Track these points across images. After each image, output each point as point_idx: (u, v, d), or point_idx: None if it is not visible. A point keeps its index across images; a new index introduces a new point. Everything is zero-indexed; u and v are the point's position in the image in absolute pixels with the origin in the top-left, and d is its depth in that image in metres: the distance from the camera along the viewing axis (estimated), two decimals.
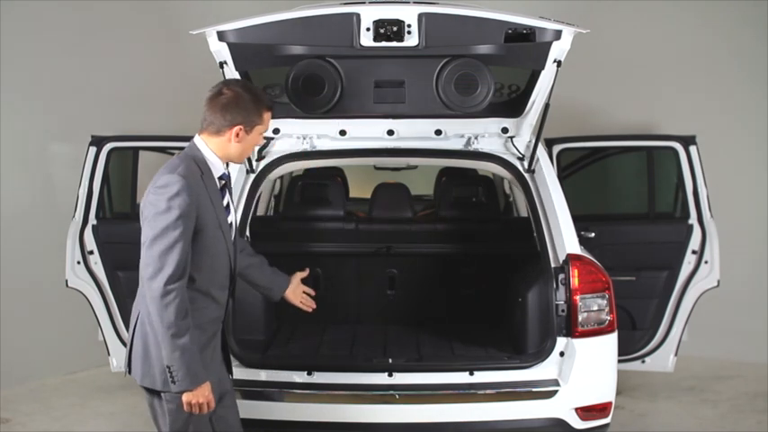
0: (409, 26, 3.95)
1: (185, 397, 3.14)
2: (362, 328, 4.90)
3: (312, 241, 5.06)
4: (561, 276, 4.03)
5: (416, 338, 4.66)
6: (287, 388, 4.06)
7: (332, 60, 4.22)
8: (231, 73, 4.14)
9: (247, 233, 4.41)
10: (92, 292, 5.63)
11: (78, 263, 5.61)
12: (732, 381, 6.44)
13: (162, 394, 3.22)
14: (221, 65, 4.12)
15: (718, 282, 5.63)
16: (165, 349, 3.09)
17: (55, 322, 6.53)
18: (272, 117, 4.43)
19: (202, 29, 3.99)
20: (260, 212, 5.68)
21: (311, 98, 4.26)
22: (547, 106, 4.29)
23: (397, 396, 4.01)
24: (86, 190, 5.65)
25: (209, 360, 3.27)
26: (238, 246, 3.54)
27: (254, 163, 4.47)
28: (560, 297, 4.03)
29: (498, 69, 4.29)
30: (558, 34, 3.99)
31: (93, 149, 5.69)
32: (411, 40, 3.97)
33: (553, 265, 4.09)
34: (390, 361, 4.16)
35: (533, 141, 4.43)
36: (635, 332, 5.66)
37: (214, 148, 3.29)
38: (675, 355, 5.69)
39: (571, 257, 4.06)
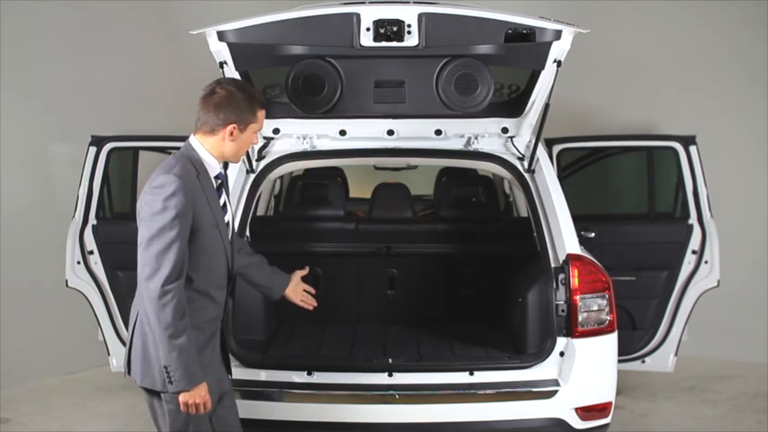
0: (409, 26, 3.95)
1: (182, 397, 3.14)
2: (362, 328, 4.90)
3: (312, 241, 5.06)
4: (561, 276, 4.03)
5: (416, 338, 4.65)
6: (287, 388, 4.06)
7: (332, 60, 4.22)
8: (231, 73, 4.14)
9: (247, 233, 4.40)
10: (92, 292, 5.64)
11: (78, 263, 5.61)
12: (732, 381, 6.44)
13: (161, 394, 3.22)
14: (221, 65, 4.12)
15: (718, 282, 5.63)
16: (162, 349, 3.09)
17: (55, 322, 6.53)
18: (273, 117, 4.50)
19: (202, 29, 3.99)
20: (260, 212, 5.68)
21: (311, 98, 4.26)
22: (547, 106, 4.29)
23: (397, 396, 4.01)
24: (86, 190, 5.65)
25: (209, 360, 3.27)
26: (236, 245, 3.54)
27: (254, 163, 4.47)
28: (560, 297, 4.03)
29: (498, 69, 4.29)
30: (558, 34, 3.99)
31: (93, 149, 5.69)
32: (411, 40, 3.97)
33: (553, 265, 4.09)
34: (390, 361, 4.16)
35: (533, 141, 4.43)
36: (635, 332, 5.66)
37: (209, 148, 3.29)
38: (675, 355, 5.69)
39: (571, 257, 4.06)
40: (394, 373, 4.02)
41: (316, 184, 5.27)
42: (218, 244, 3.29)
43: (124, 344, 3.44)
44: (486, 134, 4.55)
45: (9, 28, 6.38)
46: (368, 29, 3.95)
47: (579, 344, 4.01)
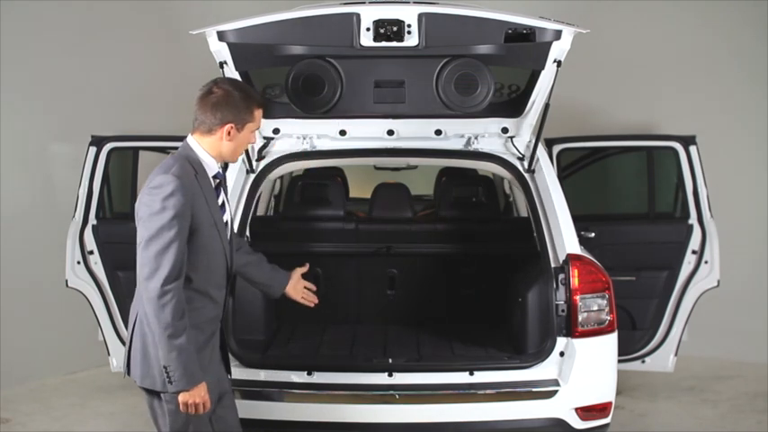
0: (409, 26, 3.95)
1: (182, 397, 3.14)
2: (362, 328, 4.90)
3: (312, 241, 5.06)
4: (561, 276, 4.03)
5: (416, 338, 4.65)
6: (287, 388, 4.06)
7: (332, 60, 4.22)
8: (231, 73, 4.14)
9: (247, 233, 4.40)
10: (92, 292, 5.64)
11: (78, 263, 5.61)
12: (732, 381, 6.44)
13: (161, 395, 3.22)
14: (221, 65, 4.12)
15: (718, 282, 5.63)
16: (161, 349, 3.09)
17: (55, 322, 6.53)
18: (273, 117, 4.50)
19: (202, 29, 3.99)
20: (260, 212, 5.67)
21: (311, 98, 4.26)
22: (547, 106, 4.29)
23: (397, 396, 4.01)
24: (86, 190, 5.65)
25: (208, 360, 3.27)
26: (235, 244, 3.54)
27: (254, 163, 4.47)
28: (560, 297, 4.03)
29: (498, 69, 4.29)
30: (558, 34, 3.98)
31: (93, 149, 5.69)
32: (411, 40, 3.97)
33: (553, 265, 4.09)
34: (390, 361, 4.16)
35: (533, 141, 4.43)
36: (635, 332, 5.66)
37: (207, 148, 3.29)
38: (675, 355, 5.69)
39: (571, 257, 4.06)
40: (394, 373, 4.02)
41: (316, 184, 5.27)
42: (216, 244, 3.29)
43: (124, 344, 3.45)
44: (486, 134, 4.54)
45: (9, 28, 6.38)
46: (368, 29, 3.95)
47: (579, 344, 4.01)
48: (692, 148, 5.64)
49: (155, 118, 6.68)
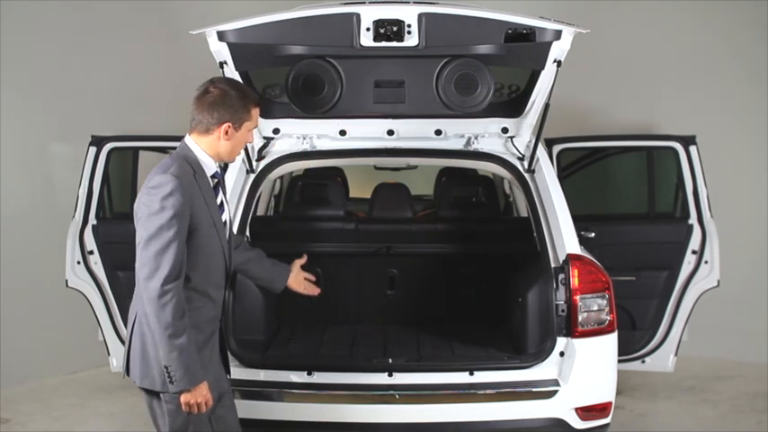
0: (409, 26, 3.95)
1: (183, 397, 3.14)
2: (362, 328, 4.90)
3: (312, 241, 5.06)
4: (561, 276, 4.03)
5: (416, 338, 4.65)
6: (287, 388, 4.06)
7: (332, 60, 4.22)
8: (231, 73, 4.14)
9: (247, 233, 4.40)
10: (92, 292, 5.64)
11: (78, 263, 5.61)
12: (732, 381, 6.44)
13: (161, 395, 3.22)
14: (221, 65, 4.11)
15: (718, 282, 5.63)
16: (162, 350, 3.09)
17: (55, 322, 6.53)
18: (273, 117, 4.50)
19: (202, 29, 3.99)
20: (260, 212, 5.67)
21: (311, 98, 4.26)
22: (547, 106, 4.29)
23: (397, 396, 4.01)
24: (86, 190, 5.65)
25: (207, 360, 3.27)
26: (234, 242, 3.54)
27: (254, 163, 4.47)
28: (560, 297, 4.02)
29: (498, 69, 4.29)
30: (558, 34, 3.98)
31: (93, 149, 5.69)
32: (411, 40, 3.97)
33: (553, 265, 4.09)
34: (390, 361, 4.15)
35: (533, 141, 4.43)
36: (635, 332, 5.66)
37: (205, 148, 3.29)
38: (675, 355, 5.69)
39: (571, 257, 4.06)
40: (394, 373, 4.02)
41: (316, 184, 5.27)
42: (215, 243, 3.29)
43: (124, 344, 3.44)
44: (486, 134, 4.54)
45: (9, 28, 6.38)
46: (368, 29, 3.95)
47: (579, 344, 4.01)
48: (692, 148, 5.64)
49: (155, 118, 6.68)
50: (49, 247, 6.09)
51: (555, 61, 4.11)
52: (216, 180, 3.35)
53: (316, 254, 4.99)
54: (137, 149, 5.87)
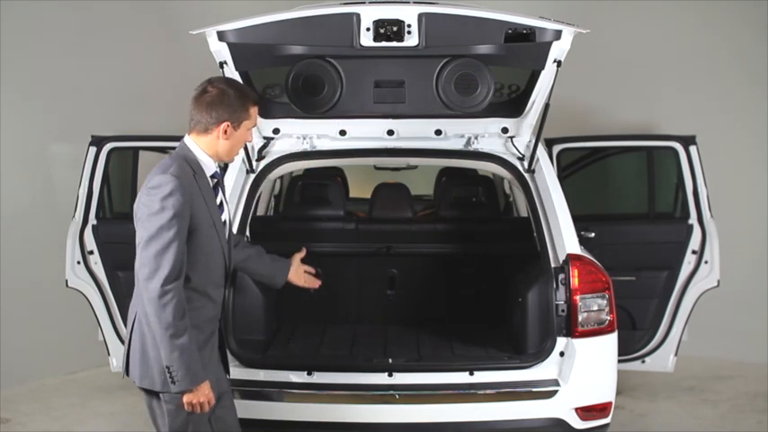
0: (409, 26, 3.95)
1: (186, 397, 3.14)
2: (362, 328, 4.90)
3: (312, 241, 5.05)
4: (561, 276, 4.03)
5: (416, 338, 4.65)
6: (287, 388, 4.06)
7: (332, 60, 4.22)
8: (231, 73, 4.14)
9: (247, 233, 4.40)
10: (92, 292, 5.64)
11: (78, 263, 5.61)
12: (732, 381, 6.44)
13: (160, 395, 3.22)
14: (221, 65, 4.12)
15: (718, 282, 5.63)
16: (163, 350, 3.08)
17: (55, 322, 6.53)
18: (273, 117, 4.50)
19: (202, 29, 3.99)
20: (260, 212, 5.67)
21: (311, 98, 4.26)
22: (547, 106, 4.29)
23: (397, 396, 4.01)
24: (86, 190, 5.65)
25: (207, 360, 3.27)
26: (233, 241, 3.54)
27: (254, 163, 4.47)
28: (560, 297, 4.02)
29: (498, 69, 4.29)
30: (558, 34, 3.98)
31: (93, 149, 5.69)
32: (411, 40, 3.97)
33: (553, 265, 4.09)
34: (390, 361, 4.15)
35: (533, 141, 4.43)
36: (635, 332, 5.66)
37: (204, 147, 3.29)
38: (675, 355, 5.69)
39: (571, 257, 4.06)
40: (394, 373, 4.02)
41: (316, 184, 5.27)
42: (215, 243, 3.29)
43: (124, 344, 3.45)
44: (486, 134, 4.54)
45: (9, 28, 6.38)
46: (368, 29, 3.95)
47: (579, 344, 4.01)
48: (692, 148, 5.64)
49: (155, 118, 6.68)
50: (49, 247, 6.09)
51: (555, 61, 4.11)
52: (215, 180, 3.35)
53: (316, 254, 4.99)
54: (137, 149, 5.87)
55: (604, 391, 4.07)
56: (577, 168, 6.02)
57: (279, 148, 4.57)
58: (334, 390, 4.02)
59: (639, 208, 5.85)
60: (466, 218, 5.16)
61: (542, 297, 4.12)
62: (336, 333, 4.79)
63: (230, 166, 4.28)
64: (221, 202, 3.39)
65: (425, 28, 3.95)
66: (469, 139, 4.54)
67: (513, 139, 4.54)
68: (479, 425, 4.01)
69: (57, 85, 6.64)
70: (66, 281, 5.62)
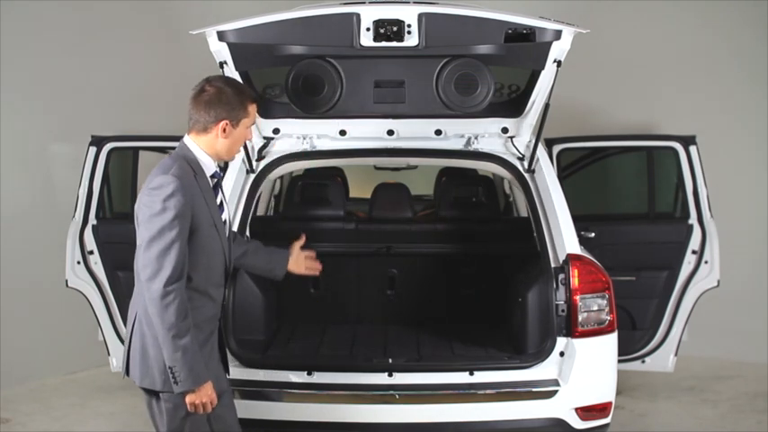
0: (409, 26, 3.95)
1: (188, 398, 3.14)
2: (362, 328, 4.90)
3: (312, 241, 5.02)
4: (561, 276, 4.03)
5: (416, 338, 4.65)
6: (287, 388, 4.06)
7: (332, 60, 4.22)
8: (231, 73, 4.14)
9: (247, 233, 4.40)
10: (92, 292, 5.63)
11: (78, 263, 5.61)
12: (732, 381, 6.44)
13: (160, 394, 3.22)
14: (221, 65, 4.12)
15: (718, 282, 5.63)
16: (166, 350, 3.08)
17: (55, 322, 6.53)
18: (273, 117, 4.50)
19: (202, 29, 3.99)
20: (260, 212, 5.67)
21: (311, 98, 4.26)
22: (547, 106, 4.29)
23: (397, 396, 4.01)
24: (86, 190, 5.65)
25: (207, 359, 3.26)
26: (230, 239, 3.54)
27: (254, 163, 4.47)
28: (560, 297, 4.02)
29: (498, 69, 4.29)
30: (558, 34, 3.98)
31: (93, 149, 5.69)
32: (411, 40, 3.97)
33: (553, 265, 4.09)
34: (390, 361, 4.16)
35: (533, 141, 4.43)
36: (635, 332, 5.66)
37: (204, 147, 3.28)
38: (675, 355, 5.69)
39: (571, 257, 4.06)
40: (394, 373, 4.02)
41: (316, 184, 5.27)
42: (216, 243, 3.29)
43: (124, 343, 3.45)
44: (486, 134, 4.54)
45: (9, 28, 6.38)
46: (368, 29, 3.95)
47: (579, 344, 4.01)
48: (692, 148, 5.64)
49: (155, 118, 6.68)
50: (49, 247, 6.09)
51: (555, 61, 4.11)
52: (215, 180, 3.35)
53: (316, 254, 5.00)
54: (137, 149, 5.87)
55: (604, 391, 4.07)
56: (577, 168, 6.02)
57: (279, 148, 4.57)
58: (334, 390, 4.02)
59: (639, 208, 5.85)
60: (466, 218, 5.16)
61: (542, 297, 4.12)
62: (336, 333, 4.79)
63: (230, 165, 4.28)
64: (221, 202, 3.39)
65: (425, 28, 3.94)
66: (469, 139, 4.54)
67: (513, 139, 4.54)
68: (479, 425, 4.01)
69: (57, 85, 6.64)
70: (66, 281, 5.62)
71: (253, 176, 4.45)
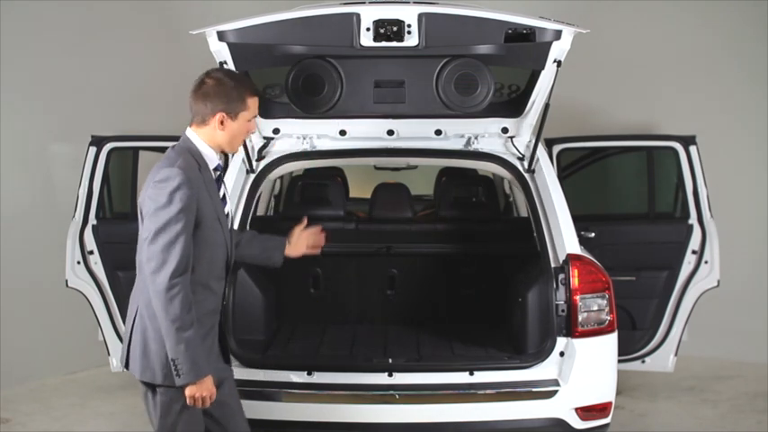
0: (409, 26, 3.95)
1: (188, 390, 3.14)
2: (362, 328, 4.90)
3: None
4: (561, 276, 4.03)
5: (416, 338, 4.65)
6: (287, 388, 4.05)
7: (332, 60, 4.22)
8: None
9: None
10: (92, 292, 5.64)
11: (78, 263, 5.61)
12: (732, 381, 6.44)
13: (156, 388, 3.21)
14: (221, 65, 4.11)
15: (718, 282, 5.63)
16: (169, 343, 3.08)
17: (55, 322, 6.53)
18: (273, 117, 4.50)
19: (202, 29, 3.99)
20: (260, 212, 5.67)
21: (311, 98, 4.26)
22: (547, 106, 4.29)
23: (397, 396, 4.01)
24: (86, 190, 5.65)
25: (208, 353, 3.26)
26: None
27: (254, 163, 4.47)
28: (560, 297, 4.02)
29: (498, 69, 4.29)
30: (557, 34, 3.98)
31: (93, 149, 5.69)
32: (411, 40, 3.96)
33: (553, 265, 4.09)
34: (390, 361, 4.15)
35: (533, 141, 4.43)
36: (635, 332, 5.66)
37: (205, 139, 3.28)
38: (675, 355, 5.69)
39: (571, 257, 4.06)
40: (394, 373, 4.02)
41: (316, 184, 5.27)
42: (218, 236, 3.29)
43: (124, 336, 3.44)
44: (486, 134, 4.55)
45: (9, 28, 6.38)
46: (368, 29, 3.95)
47: (579, 344, 4.01)
48: (692, 148, 5.64)
49: (155, 118, 6.68)
50: (49, 247, 6.09)
51: (555, 61, 4.11)
52: (218, 173, 3.35)
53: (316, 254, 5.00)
54: (137, 149, 5.87)
55: (604, 391, 4.07)
56: (577, 168, 6.02)
57: (279, 148, 4.57)
58: (334, 390, 4.02)
59: (639, 208, 5.85)
60: (466, 218, 5.16)
61: (542, 297, 4.12)
62: (336, 333, 4.79)
63: (230, 165, 4.28)
64: (224, 195, 3.39)
65: (425, 28, 3.94)
66: (469, 139, 4.55)
67: (513, 139, 4.54)
68: (479, 425, 4.01)
69: (57, 85, 6.64)
70: (67, 281, 5.62)
71: (253, 176, 4.45)
